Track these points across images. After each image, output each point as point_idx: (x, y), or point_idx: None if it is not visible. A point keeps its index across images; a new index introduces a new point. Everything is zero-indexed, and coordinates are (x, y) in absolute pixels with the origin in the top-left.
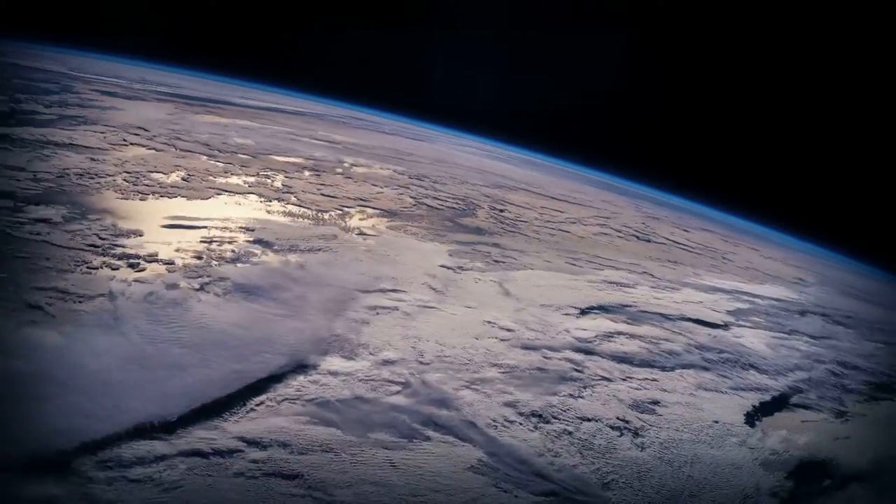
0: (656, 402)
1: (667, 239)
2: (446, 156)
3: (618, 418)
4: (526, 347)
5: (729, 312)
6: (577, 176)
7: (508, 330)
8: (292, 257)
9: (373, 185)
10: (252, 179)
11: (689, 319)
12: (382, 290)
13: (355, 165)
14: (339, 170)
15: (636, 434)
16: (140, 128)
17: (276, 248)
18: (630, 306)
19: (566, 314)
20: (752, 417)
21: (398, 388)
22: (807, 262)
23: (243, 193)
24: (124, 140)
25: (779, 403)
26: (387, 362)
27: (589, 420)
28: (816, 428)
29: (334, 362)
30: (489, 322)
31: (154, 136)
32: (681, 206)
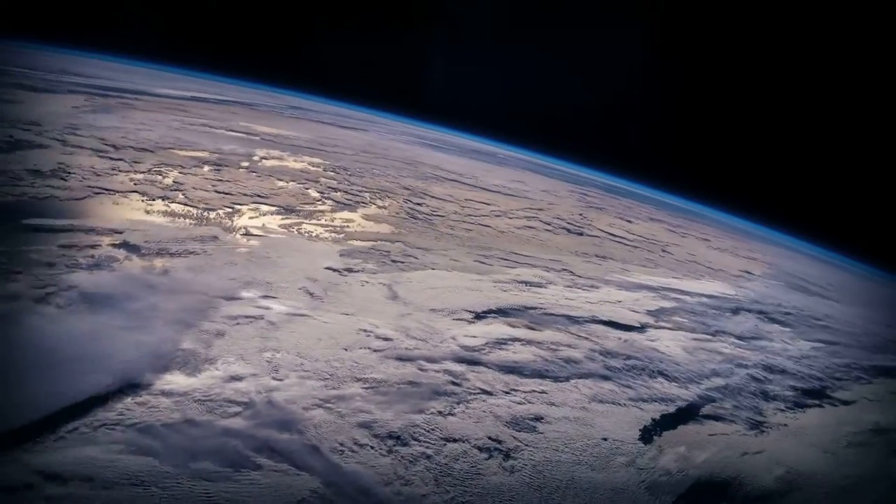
0: (539, 418)
1: (602, 231)
2: (380, 147)
3: (490, 438)
4: (401, 359)
5: (649, 312)
6: (551, 171)
7: (385, 339)
8: (159, 262)
9: (278, 179)
10: (140, 177)
11: (601, 322)
12: (250, 297)
13: (266, 158)
14: (246, 164)
15: (507, 456)
16: (33, 122)
17: (143, 252)
18: (535, 308)
19: (458, 319)
20: (649, 433)
21: (238, 408)
22: (767, 254)
23: (125, 192)
24: (10, 137)
25: (685, 415)
26: (233, 379)
27: (455, 441)
28: (724, 442)
29: (172, 380)
30: (365, 330)
31: (44, 131)
32: (656, 200)
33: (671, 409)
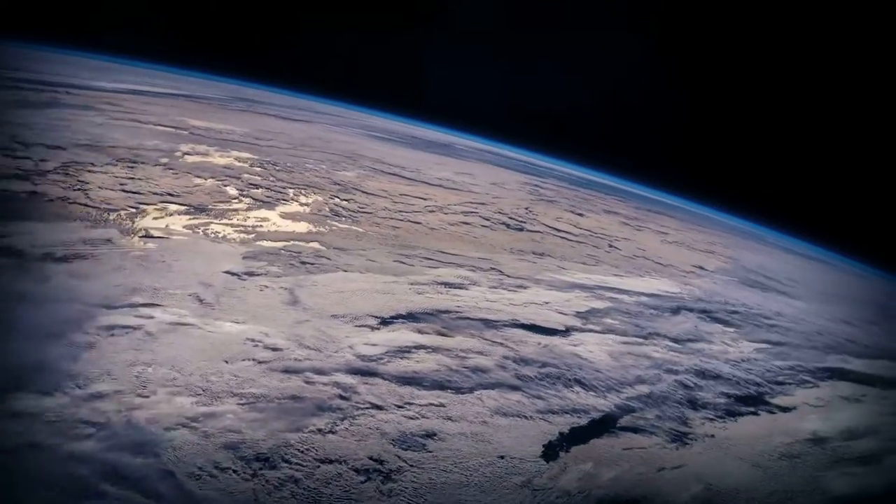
0: (431, 435)
1: (546, 226)
2: (323, 139)
3: (371, 458)
4: (287, 371)
5: (578, 314)
6: (513, 162)
7: (274, 349)
8: (40, 267)
9: (196, 176)
10: (43, 177)
11: (521, 325)
12: (132, 305)
13: (190, 154)
14: (165, 160)
15: (387, 478)
16: None
17: (25, 256)
18: (450, 312)
19: (360, 326)
20: (554, 449)
21: (92, 429)
22: (732, 248)
23: (23, 193)
24: None
25: (600, 428)
26: (94, 397)
27: (330, 462)
28: (639, 457)
29: (24, 400)
30: (253, 340)
31: None
32: (626, 191)
33: (584, 421)
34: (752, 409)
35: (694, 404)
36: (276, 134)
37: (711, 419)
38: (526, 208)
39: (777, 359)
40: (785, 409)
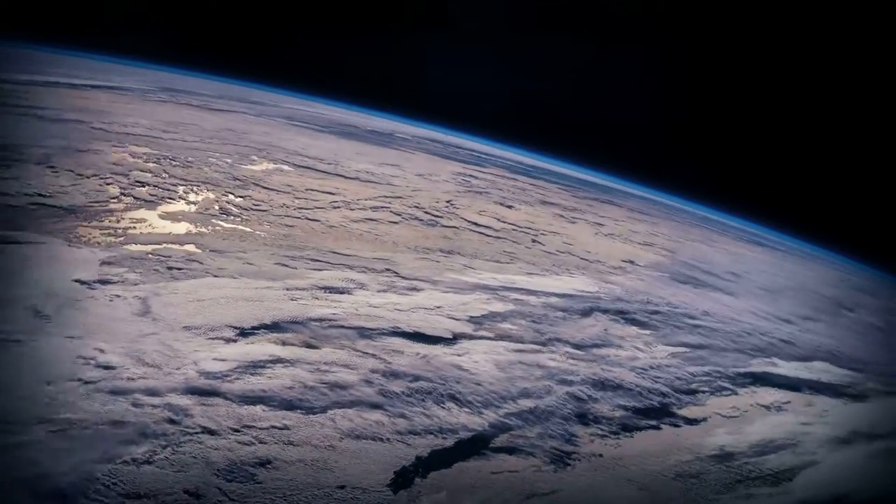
0: (265, 463)
1: (466, 221)
2: (238, 131)
3: (187, 492)
4: (115, 392)
5: (472, 319)
6: (459, 152)
7: (107, 367)
8: None
9: (77, 175)
10: None
11: (402, 334)
12: None
13: (83, 151)
14: (52, 157)
15: None
16: None
17: None
18: (324, 320)
19: (214, 338)
20: (407, 476)
21: None
22: (677, 241)
23: None
24: None
25: (469, 449)
26: None
27: (138, 498)
28: (508, 482)
29: None
30: (85, 357)
31: None
32: (583, 181)
33: (449, 442)
34: (653, 422)
35: (585, 419)
36: (186, 126)
37: (603, 436)
38: (448, 201)
39: (693, 364)
40: (692, 422)
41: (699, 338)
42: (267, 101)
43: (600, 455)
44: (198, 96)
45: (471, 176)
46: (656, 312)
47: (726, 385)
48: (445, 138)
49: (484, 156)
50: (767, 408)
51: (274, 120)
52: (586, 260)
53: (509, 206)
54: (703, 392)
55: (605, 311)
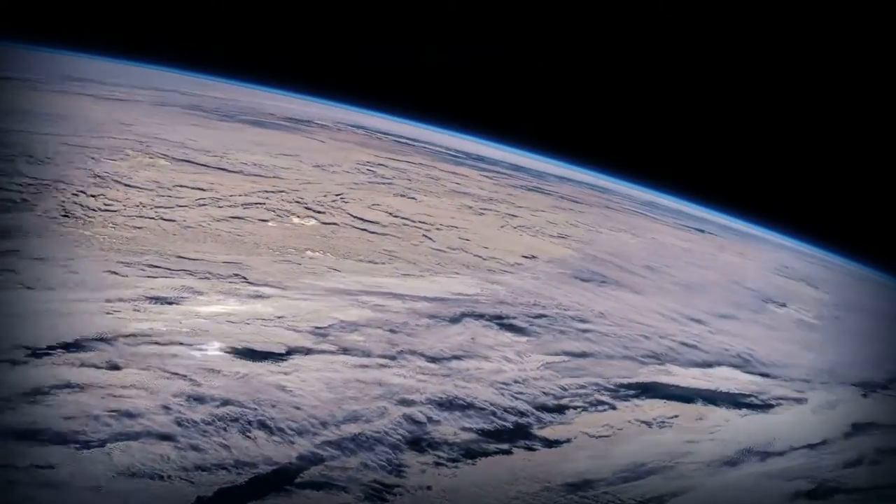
0: None
1: (352, 216)
2: (123, 122)
3: None
4: None
5: (316, 330)
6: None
7: None
8: None
9: None
10: None
11: (227, 349)
12: None
13: None
14: None
15: None
16: None
17: None
18: (137, 336)
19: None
20: None
21: None
22: (608, 229)
23: None
24: None
25: (267, 486)
26: None
27: None
28: None
29: None
30: None
31: None
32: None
33: (244, 478)
34: (504, 446)
35: (420, 445)
36: (67, 118)
37: (438, 464)
38: (339, 195)
39: (569, 376)
40: (552, 444)
41: (585, 344)
42: (184, 88)
43: (428, 488)
44: (103, 85)
45: (381, 165)
46: (541, 316)
47: (604, 399)
48: (375, 123)
49: (410, 142)
50: (648, 424)
51: (175, 109)
52: (479, 257)
53: (411, 198)
54: (574, 408)
55: (480, 317)
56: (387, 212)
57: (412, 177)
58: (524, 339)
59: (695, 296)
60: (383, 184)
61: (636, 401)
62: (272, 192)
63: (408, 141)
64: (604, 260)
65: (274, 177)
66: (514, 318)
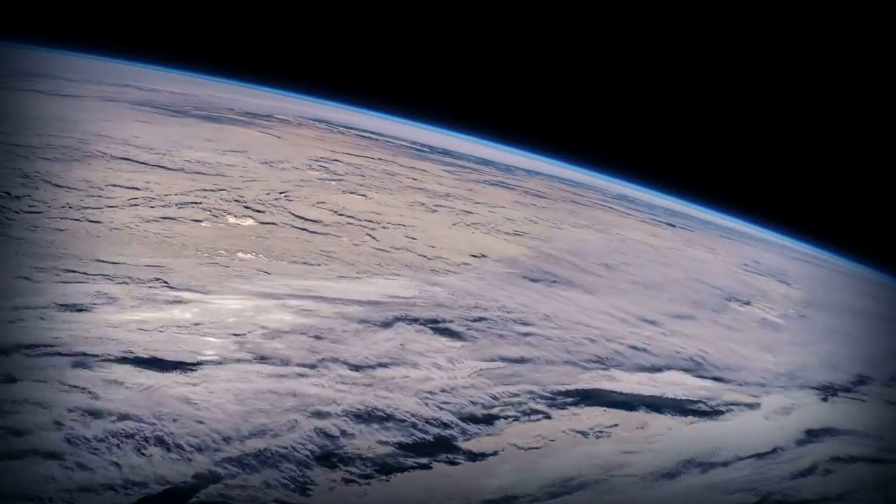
0: None
1: (294, 215)
2: (67, 121)
3: None
4: None
5: (235, 337)
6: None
7: None
8: None
9: None
10: None
11: (135, 360)
12: None
13: None
14: None
15: None
16: None
17: None
18: (38, 347)
19: None
20: None
21: None
22: (570, 226)
23: None
24: None
25: None
26: None
27: None
28: None
29: None
30: None
31: None
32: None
33: (132, 499)
34: (424, 460)
35: (330, 461)
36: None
37: (349, 481)
38: (283, 192)
39: (502, 383)
40: (476, 457)
41: (524, 349)
42: (143, 82)
43: None
44: (58, 80)
45: (336, 160)
46: (480, 319)
47: (539, 408)
48: (340, 116)
49: (374, 136)
50: (584, 434)
51: (126, 105)
52: (424, 257)
53: (361, 196)
54: (505, 418)
55: (414, 321)
56: (332, 210)
57: (367, 173)
58: (459, 344)
59: (652, 295)
60: (334, 180)
61: (574, 409)
62: (212, 190)
63: (371, 135)
64: (559, 258)
65: (217, 174)
66: (451, 321)
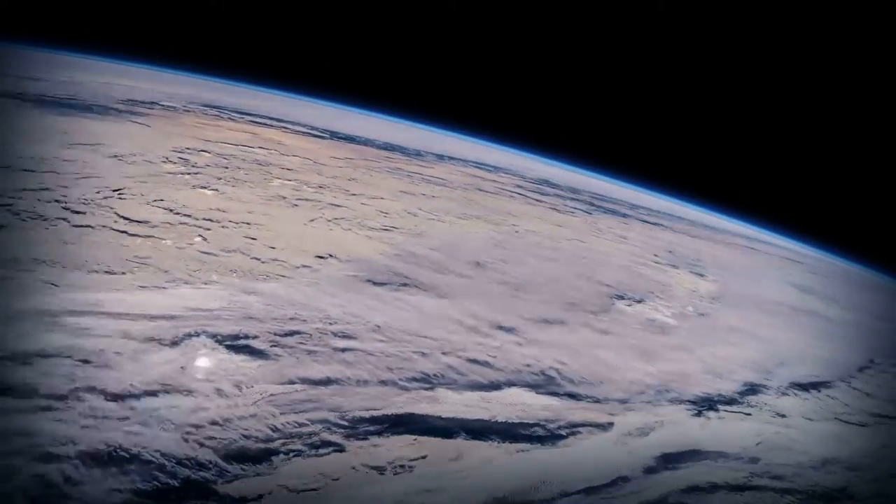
0: None
1: (118, 215)
2: None
3: None
4: None
5: None
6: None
7: None
8: None
9: None
10: None
11: None
12: None
13: None
14: None
15: None
16: None
17: None
18: None
19: None
20: None
21: None
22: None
23: None
24: None
25: None
26: None
27: None
28: None
29: None
30: None
31: None
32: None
33: None
34: None
35: None
36: None
37: None
38: (118, 190)
39: (295, 410)
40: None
41: (336, 368)
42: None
43: None
44: None
45: (203, 151)
46: (294, 333)
47: (333, 439)
48: (240, 101)
49: (270, 121)
50: (381, 470)
51: None
52: (257, 260)
53: (213, 190)
54: (286, 454)
55: (212, 337)
56: (168, 208)
57: (235, 164)
58: (256, 364)
59: (520, 297)
60: (188, 174)
61: (376, 439)
62: (32, 190)
63: (269, 120)
64: (423, 257)
65: (48, 171)
66: (256, 337)
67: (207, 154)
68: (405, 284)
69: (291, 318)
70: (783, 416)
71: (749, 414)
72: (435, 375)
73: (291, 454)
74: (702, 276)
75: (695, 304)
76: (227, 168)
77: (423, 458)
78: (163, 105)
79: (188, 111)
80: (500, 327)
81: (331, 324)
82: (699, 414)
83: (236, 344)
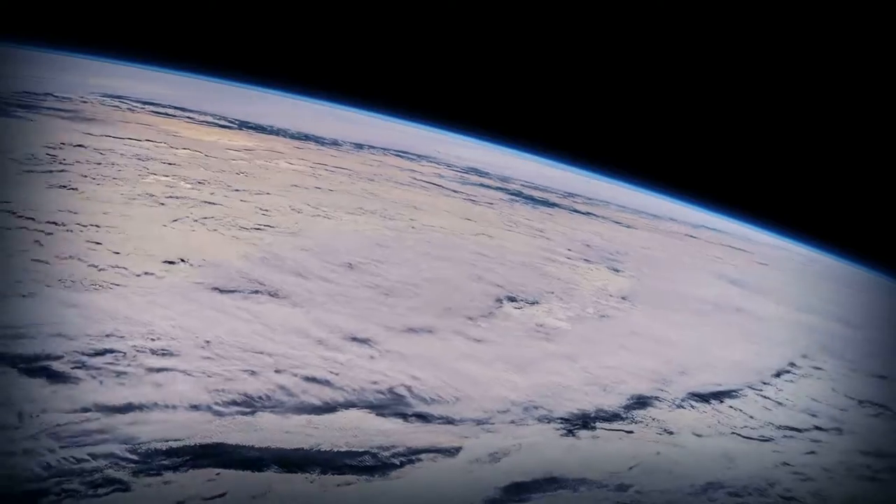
0: None
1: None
2: None
3: None
4: None
5: None
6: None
7: None
8: None
9: None
10: None
11: None
12: None
13: None
14: None
15: None
16: None
17: None
18: None
19: None
20: None
21: None
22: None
23: None
24: None
25: None
26: None
27: None
28: None
29: None
30: None
31: None
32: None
33: None
34: None
35: None
36: None
37: None
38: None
39: (80, 443)
40: None
41: (143, 391)
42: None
43: None
44: None
45: (79, 145)
46: (106, 352)
47: (119, 476)
48: (146, 90)
49: (177, 111)
50: None
51: None
52: (94, 267)
53: (72, 189)
54: (57, 495)
55: (7, 360)
56: (10, 211)
57: (108, 159)
58: (49, 390)
59: (389, 303)
60: (48, 172)
61: (170, 475)
62: None
63: (172, 110)
64: (288, 259)
65: None
66: (59, 358)
67: (83, 148)
68: (256, 292)
69: (108, 335)
70: (671, 433)
71: (631, 432)
72: (260, 398)
73: (63, 496)
74: (617, 271)
75: (598, 305)
76: (99, 164)
77: (221, 496)
78: (56, 96)
79: (84, 102)
80: (354, 339)
81: (152, 340)
82: (569, 433)
83: (32, 367)
